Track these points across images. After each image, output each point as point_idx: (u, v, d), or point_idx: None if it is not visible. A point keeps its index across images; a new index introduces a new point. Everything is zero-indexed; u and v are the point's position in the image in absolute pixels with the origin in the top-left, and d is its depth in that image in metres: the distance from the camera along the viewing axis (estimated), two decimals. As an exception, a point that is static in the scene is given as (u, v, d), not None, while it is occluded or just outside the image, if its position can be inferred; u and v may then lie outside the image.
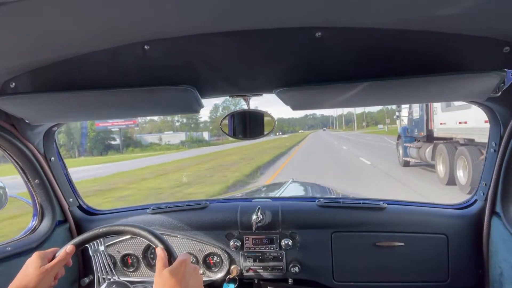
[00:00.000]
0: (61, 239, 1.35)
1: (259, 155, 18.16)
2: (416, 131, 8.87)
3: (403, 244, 1.30)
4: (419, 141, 8.84)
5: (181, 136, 53.21)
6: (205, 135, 59.83)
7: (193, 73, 0.97)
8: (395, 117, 10.84)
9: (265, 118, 1.09)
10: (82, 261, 1.45)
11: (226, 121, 1.11)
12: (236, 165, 14.41)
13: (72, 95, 0.93)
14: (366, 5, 0.74)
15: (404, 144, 9.55)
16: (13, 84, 0.99)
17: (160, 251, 0.80)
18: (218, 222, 1.39)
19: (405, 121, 9.87)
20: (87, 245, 0.96)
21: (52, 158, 1.33)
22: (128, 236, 1.40)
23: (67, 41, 0.83)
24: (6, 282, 0.79)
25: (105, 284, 1.01)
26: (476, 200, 1.29)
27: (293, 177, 2.81)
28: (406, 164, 9.75)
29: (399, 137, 10.37)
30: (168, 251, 0.81)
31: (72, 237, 1.37)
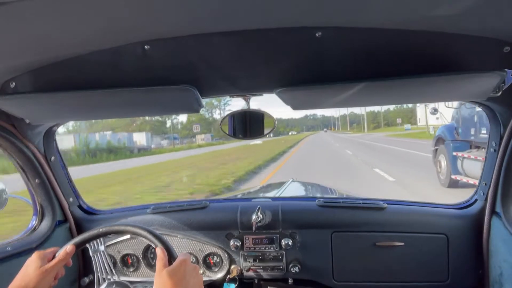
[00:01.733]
0: (61, 239, 1.35)
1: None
2: (480, 131, 5.38)
3: (403, 244, 1.30)
4: (478, 148, 5.54)
5: (69, 141, 27.94)
6: (141, 138, 36.43)
7: (193, 73, 0.97)
8: (431, 111, 6.95)
9: (265, 118, 1.09)
10: (82, 261, 1.45)
11: (226, 121, 1.11)
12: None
13: (72, 95, 0.93)
14: (366, 5, 0.74)
15: (453, 154, 5.94)
16: (13, 84, 0.99)
17: (160, 251, 0.80)
18: (218, 222, 1.39)
19: (445, 116, 6.55)
20: (87, 245, 0.96)
21: (52, 157, 1.33)
22: (128, 236, 1.40)
23: (67, 41, 0.83)
24: (6, 282, 0.79)
25: (105, 284, 1.01)
26: (476, 200, 1.29)
27: (292, 177, 2.80)
28: (453, 184, 6.09)
29: (438, 141, 6.71)
30: (168, 251, 0.80)
31: (72, 237, 1.36)
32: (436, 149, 6.82)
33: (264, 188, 2.90)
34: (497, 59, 0.89)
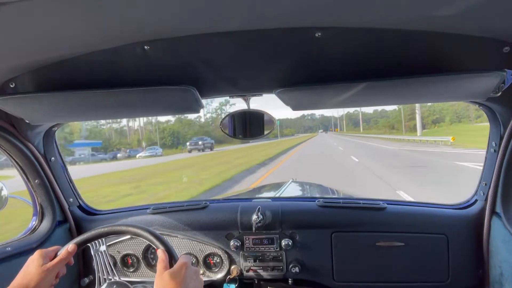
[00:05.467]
0: (61, 239, 1.35)
1: None
2: None
3: (403, 244, 1.30)
4: None
5: None
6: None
7: (193, 73, 0.97)
8: None
9: (265, 119, 1.09)
10: (82, 261, 1.44)
11: (226, 121, 1.11)
12: None
13: (72, 95, 0.93)
14: (366, 5, 0.74)
15: None
16: (13, 84, 0.99)
17: (161, 253, 0.80)
18: (218, 222, 1.39)
19: None
20: (88, 245, 0.96)
21: (52, 158, 1.33)
22: (128, 236, 1.40)
23: (67, 41, 0.83)
24: (6, 283, 0.79)
25: (105, 284, 1.01)
26: (476, 200, 1.29)
27: (293, 177, 2.81)
28: None
29: None
30: (169, 253, 0.80)
31: (72, 237, 1.36)
32: None
33: (264, 188, 2.90)
34: (497, 59, 0.89)
